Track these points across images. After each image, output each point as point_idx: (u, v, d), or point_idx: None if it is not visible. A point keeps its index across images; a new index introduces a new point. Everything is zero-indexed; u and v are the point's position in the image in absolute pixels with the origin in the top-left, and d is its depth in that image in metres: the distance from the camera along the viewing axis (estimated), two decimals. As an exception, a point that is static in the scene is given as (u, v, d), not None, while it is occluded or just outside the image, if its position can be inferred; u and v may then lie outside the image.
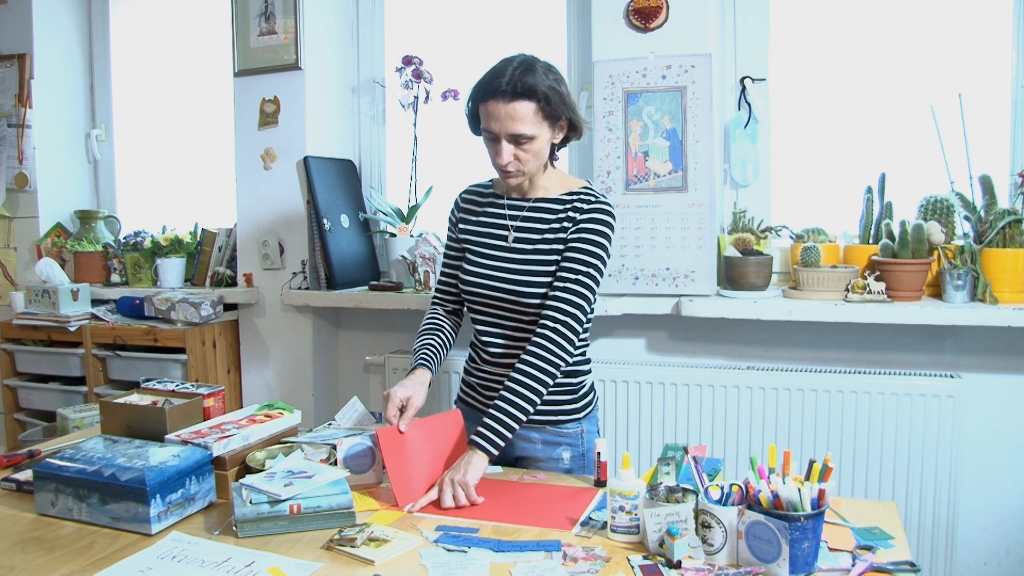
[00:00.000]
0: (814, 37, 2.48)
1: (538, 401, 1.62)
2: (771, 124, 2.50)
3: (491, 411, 1.60)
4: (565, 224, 1.69)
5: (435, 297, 1.91)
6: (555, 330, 1.62)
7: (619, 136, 2.37)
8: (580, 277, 1.65)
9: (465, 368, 1.89)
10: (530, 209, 1.74)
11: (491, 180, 1.87)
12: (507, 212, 1.76)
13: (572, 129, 1.70)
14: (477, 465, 1.55)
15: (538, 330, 1.64)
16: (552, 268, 1.68)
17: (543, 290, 1.68)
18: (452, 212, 1.87)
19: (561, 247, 1.68)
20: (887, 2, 2.42)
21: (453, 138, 2.80)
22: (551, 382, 1.63)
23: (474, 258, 1.77)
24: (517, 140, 1.62)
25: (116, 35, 3.30)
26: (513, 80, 1.59)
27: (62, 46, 3.21)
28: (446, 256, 1.88)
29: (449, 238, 1.87)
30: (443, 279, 1.88)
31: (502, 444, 1.59)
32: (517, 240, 1.73)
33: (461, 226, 1.83)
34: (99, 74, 3.32)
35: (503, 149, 1.63)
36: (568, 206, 1.71)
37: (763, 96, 2.47)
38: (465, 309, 1.86)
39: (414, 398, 1.65)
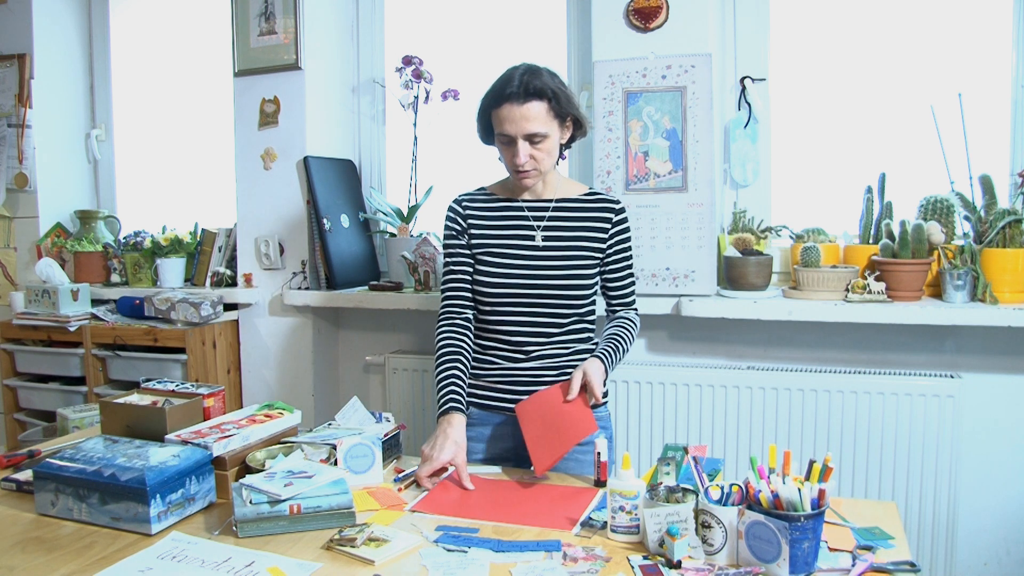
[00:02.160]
0: (814, 37, 2.48)
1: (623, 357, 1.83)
2: (771, 124, 2.50)
3: (606, 342, 1.79)
4: (601, 224, 1.82)
5: (448, 308, 1.87)
6: (635, 320, 1.89)
7: (619, 136, 2.37)
8: (632, 280, 1.90)
9: (480, 372, 1.86)
10: (554, 209, 1.83)
11: (482, 188, 1.91)
12: (529, 214, 1.83)
13: (577, 128, 1.81)
14: (602, 370, 1.72)
15: (623, 314, 1.88)
16: (585, 263, 1.80)
17: (580, 281, 1.79)
18: (454, 221, 1.87)
19: (599, 245, 1.82)
20: (887, 2, 2.42)
21: (453, 138, 2.81)
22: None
23: (500, 259, 1.81)
24: (532, 139, 1.72)
25: (116, 35, 3.30)
26: (523, 83, 1.70)
27: (62, 46, 3.21)
28: (454, 264, 1.86)
29: (453, 246, 1.86)
30: (454, 286, 1.86)
31: (612, 367, 1.76)
32: (546, 239, 1.80)
33: (473, 231, 1.84)
34: (99, 74, 3.32)
35: (520, 150, 1.72)
36: (597, 207, 1.84)
37: (763, 96, 2.47)
38: (476, 313, 1.87)
39: (458, 459, 1.63)
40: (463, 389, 1.77)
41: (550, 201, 1.84)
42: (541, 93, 1.70)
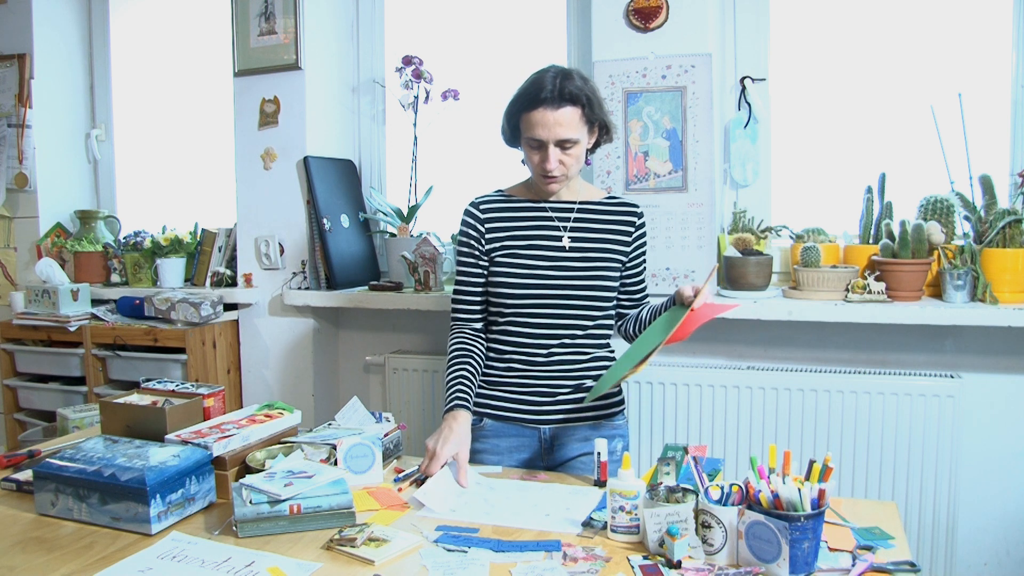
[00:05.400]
0: (814, 37, 2.48)
1: None
2: (771, 124, 2.50)
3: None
4: (625, 228, 1.83)
5: (458, 318, 1.86)
6: None
7: (619, 136, 2.36)
8: (646, 283, 1.92)
9: (495, 379, 1.83)
10: (579, 211, 1.82)
11: (500, 190, 1.90)
12: (553, 215, 1.82)
13: (603, 133, 1.80)
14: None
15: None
16: (609, 265, 1.80)
17: (605, 283, 1.79)
18: (470, 226, 1.83)
19: (624, 248, 1.83)
20: (887, 2, 2.42)
21: (453, 138, 2.81)
22: None
23: (525, 260, 1.78)
24: (563, 145, 1.70)
25: (116, 35, 3.30)
26: (557, 88, 1.67)
27: (62, 46, 3.21)
28: (467, 272, 1.84)
29: (467, 255, 1.84)
30: (466, 296, 1.84)
31: None
32: (573, 240, 1.80)
33: (490, 236, 1.81)
34: (99, 74, 3.32)
35: (550, 155, 1.70)
36: (620, 211, 1.84)
37: (763, 96, 2.47)
38: (492, 318, 1.85)
39: (460, 455, 1.63)
40: (471, 389, 1.75)
41: (573, 203, 1.83)
42: (575, 99, 1.67)
